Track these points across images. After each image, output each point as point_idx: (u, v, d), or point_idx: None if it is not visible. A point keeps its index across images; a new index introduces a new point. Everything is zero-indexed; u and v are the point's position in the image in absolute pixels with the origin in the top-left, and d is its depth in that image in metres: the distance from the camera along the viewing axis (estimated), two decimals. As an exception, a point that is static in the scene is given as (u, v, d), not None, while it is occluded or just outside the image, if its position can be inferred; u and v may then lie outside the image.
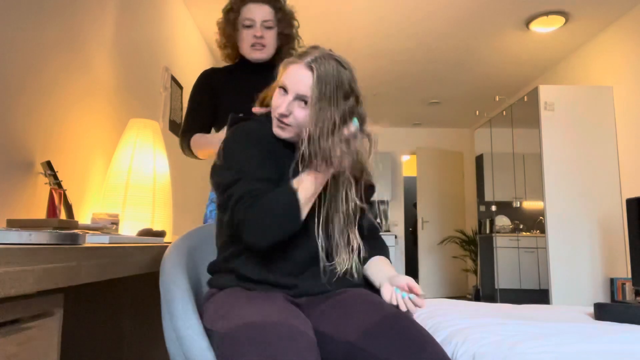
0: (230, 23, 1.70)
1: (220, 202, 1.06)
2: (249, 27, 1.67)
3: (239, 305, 0.95)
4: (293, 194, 1.00)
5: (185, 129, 1.75)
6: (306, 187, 1.02)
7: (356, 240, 1.13)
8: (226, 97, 1.73)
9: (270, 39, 1.69)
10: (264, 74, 1.57)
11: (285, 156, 1.12)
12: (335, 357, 0.95)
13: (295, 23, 1.77)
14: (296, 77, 1.06)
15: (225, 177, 1.05)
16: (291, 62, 1.09)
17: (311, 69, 1.05)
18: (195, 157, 1.76)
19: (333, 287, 1.10)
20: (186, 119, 1.77)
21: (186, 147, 1.74)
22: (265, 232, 0.97)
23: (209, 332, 0.94)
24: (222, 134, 1.58)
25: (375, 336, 0.92)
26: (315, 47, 1.10)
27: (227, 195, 1.02)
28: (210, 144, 1.66)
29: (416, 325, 0.95)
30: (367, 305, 1.00)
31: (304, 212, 1.02)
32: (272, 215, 0.97)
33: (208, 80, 1.76)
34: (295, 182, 1.02)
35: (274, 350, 0.80)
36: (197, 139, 1.71)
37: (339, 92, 1.04)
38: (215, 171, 1.10)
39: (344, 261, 1.12)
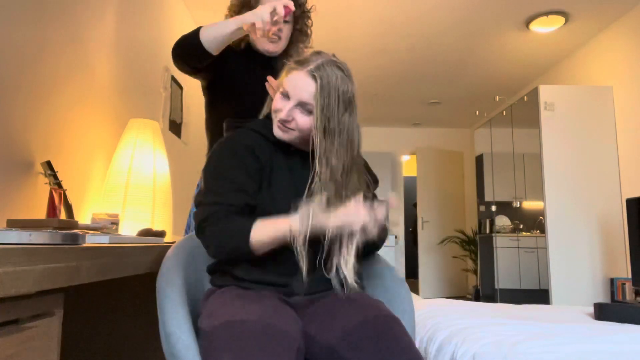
0: (248, 6, 1.57)
1: (194, 217, 1.10)
2: None
3: (226, 304, 0.96)
4: (247, 230, 1.00)
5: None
6: (263, 230, 1.01)
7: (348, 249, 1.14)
8: (238, 76, 1.62)
9: (286, 33, 1.62)
10: (269, 69, 1.55)
11: (274, 165, 1.12)
12: (318, 359, 0.96)
13: (310, 22, 1.69)
14: (298, 85, 1.05)
15: (200, 194, 1.08)
16: (293, 68, 1.08)
17: (314, 77, 1.04)
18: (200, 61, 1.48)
19: (324, 287, 1.10)
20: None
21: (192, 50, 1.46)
22: (218, 252, 1.03)
23: (199, 331, 0.96)
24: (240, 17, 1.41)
25: (353, 342, 0.92)
26: (318, 53, 1.10)
27: (195, 214, 1.07)
28: (220, 27, 1.43)
29: (395, 330, 0.94)
30: (350, 307, 1.01)
31: (259, 249, 1.01)
32: (223, 241, 1.02)
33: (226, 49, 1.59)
34: (261, 221, 1.02)
35: (246, 347, 0.82)
36: (205, 28, 1.46)
37: (341, 103, 1.06)
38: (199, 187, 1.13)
39: (333, 265, 1.12)
